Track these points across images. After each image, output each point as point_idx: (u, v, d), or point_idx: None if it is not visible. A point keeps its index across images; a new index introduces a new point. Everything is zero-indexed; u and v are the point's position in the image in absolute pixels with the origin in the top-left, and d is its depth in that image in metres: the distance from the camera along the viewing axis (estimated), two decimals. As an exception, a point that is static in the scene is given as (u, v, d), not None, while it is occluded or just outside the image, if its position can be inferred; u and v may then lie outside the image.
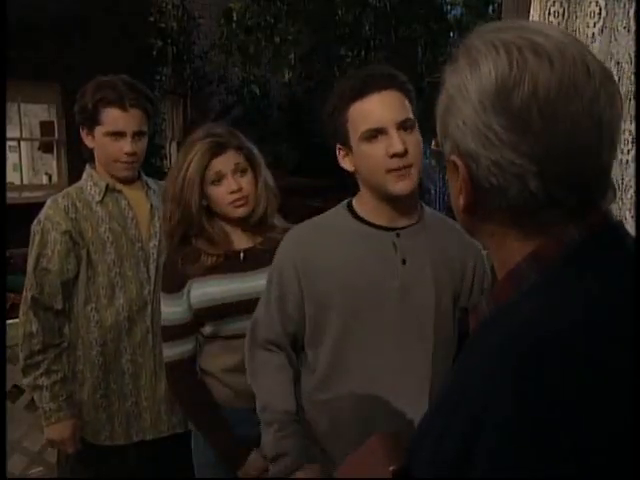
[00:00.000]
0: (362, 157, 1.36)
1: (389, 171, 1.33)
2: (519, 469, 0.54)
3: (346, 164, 1.41)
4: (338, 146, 1.41)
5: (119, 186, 1.92)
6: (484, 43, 0.66)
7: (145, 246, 1.91)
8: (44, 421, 1.88)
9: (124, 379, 1.90)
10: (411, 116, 1.36)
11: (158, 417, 1.93)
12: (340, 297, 1.38)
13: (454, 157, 0.68)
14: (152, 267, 1.91)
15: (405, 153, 1.32)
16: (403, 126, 1.34)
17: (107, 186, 1.91)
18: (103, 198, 1.90)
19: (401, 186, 1.34)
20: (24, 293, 1.88)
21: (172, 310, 1.72)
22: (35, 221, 1.88)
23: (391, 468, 0.71)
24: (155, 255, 1.91)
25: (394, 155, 1.32)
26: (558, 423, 0.53)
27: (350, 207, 1.46)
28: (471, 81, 0.65)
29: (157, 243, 1.92)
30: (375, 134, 1.33)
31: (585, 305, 0.59)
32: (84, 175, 1.96)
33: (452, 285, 1.43)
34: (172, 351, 1.74)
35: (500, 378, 0.57)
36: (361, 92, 1.34)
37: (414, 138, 1.36)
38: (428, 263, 1.40)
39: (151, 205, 1.95)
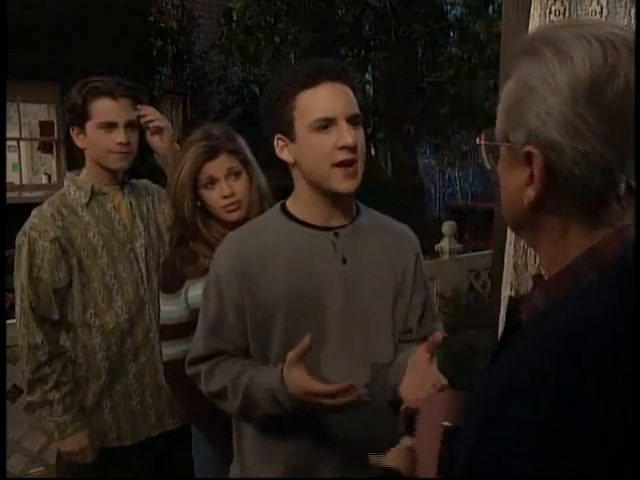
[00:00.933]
0: (308, 148, 1.31)
1: (335, 165, 1.29)
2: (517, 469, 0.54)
3: (285, 155, 1.36)
4: (278, 136, 1.35)
5: (105, 189, 1.91)
6: (574, 36, 0.66)
7: (133, 246, 1.91)
8: (58, 435, 1.85)
9: (128, 380, 1.90)
10: (359, 113, 1.33)
11: (164, 413, 1.94)
12: (285, 303, 1.34)
13: (530, 148, 0.67)
14: (143, 266, 1.90)
15: (355, 147, 1.29)
16: (352, 121, 1.31)
17: (92, 189, 1.89)
18: (89, 202, 1.88)
19: (346, 185, 1.30)
20: (20, 305, 1.84)
21: (171, 310, 1.73)
22: (20, 233, 1.84)
23: (445, 424, 0.73)
24: (143, 254, 1.91)
25: (344, 147, 1.28)
26: (569, 430, 0.53)
27: (284, 209, 1.41)
28: (560, 71, 0.65)
29: (143, 242, 1.92)
30: (325, 124, 1.29)
31: (636, 308, 0.59)
32: (65, 182, 1.95)
33: (393, 282, 1.41)
34: (170, 350, 1.75)
35: (525, 376, 0.57)
36: (314, 80, 1.30)
37: (361, 135, 1.33)
38: (368, 261, 1.38)
39: (130, 204, 1.95)
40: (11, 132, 7.59)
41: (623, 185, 0.64)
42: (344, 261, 1.36)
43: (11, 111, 7.57)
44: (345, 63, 1.40)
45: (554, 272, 0.69)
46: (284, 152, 1.35)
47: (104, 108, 1.83)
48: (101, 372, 1.88)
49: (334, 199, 1.35)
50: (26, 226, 1.85)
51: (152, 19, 8.47)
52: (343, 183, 1.30)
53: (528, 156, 0.67)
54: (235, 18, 8.19)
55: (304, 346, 1.22)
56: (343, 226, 1.39)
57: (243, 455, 1.46)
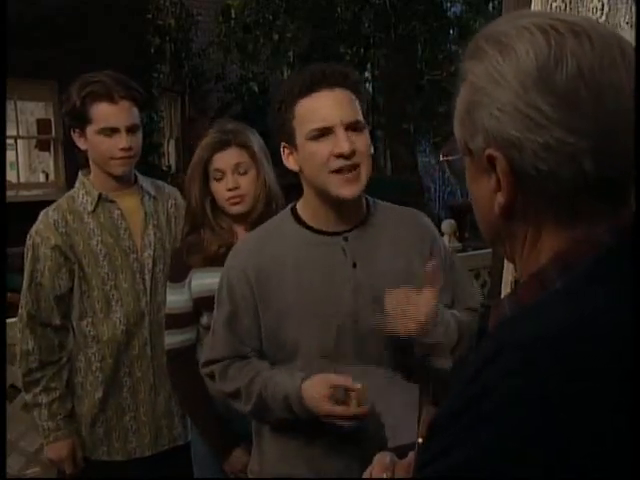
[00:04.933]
0: (307, 156, 1.31)
1: (333, 172, 1.28)
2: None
3: (290, 164, 1.37)
4: (283, 144, 1.36)
5: (112, 195, 1.86)
6: (514, 28, 0.63)
7: (140, 257, 1.86)
8: (43, 440, 1.85)
9: (122, 393, 1.85)
10: (361, 118, 1.32)
11: (158, 432, 1.88)
12: (296, 310, 1.35)
13: (490, 151, 0.63)
14: (147, 277, 1.85)
15: (352, 154, 1.28)
16: (352, 127, 1.30)
17: (100, 196, 1.84)
18: (95, 208, 1.84)
19: (347, 190, 1.30)
20: (20, 310, 1.82)
21: (175, 299, 1.77)
22: (28, 235, 1.83)
23: (419, 440, 0.73)
24: (150, 265, 1.86)
25: (340, 155, 1.27)
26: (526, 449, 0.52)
27: (294, 212, 1.42)
28: (505, 65, 0.62)
29: (152, 252, 1.87)
30: (321, 133, 1.28)
31: (603, 322, 0.56)
32: (76, 183, 1.90)
33: (409, 275, 1.37)
34: (173, 339, 1.78)
35: (492, 377, 0.55)
36: (310, 88, 1.29)
37: (363, 139, 1.31)
38: (380, 261, 1.37)
39: (145, 213, 1.89)
40: (8, 130, 7.56)
41: (594, 175, 0.60)
42: (354, 265, 1.36)
43: (8, 109, 7.54)
44: (347, 67, 1.38)
45: (525, 278, 0.67)
46: (290, 160, 1.37)
47: (104, 113, 1.78)
48: (95, 381, 1.84)
49: (340, 204, 1.35)
50: (33, 229, 1.83)
51: (150, 16, 8.47)
52: (343, 189, 1.30)
53: (490, 160, 0.63)
54: (234, 15, 8.20)
55: (341, 382, 1.26)
56: (353, 229, 1.38)
57: (263, 454, 1.46)
